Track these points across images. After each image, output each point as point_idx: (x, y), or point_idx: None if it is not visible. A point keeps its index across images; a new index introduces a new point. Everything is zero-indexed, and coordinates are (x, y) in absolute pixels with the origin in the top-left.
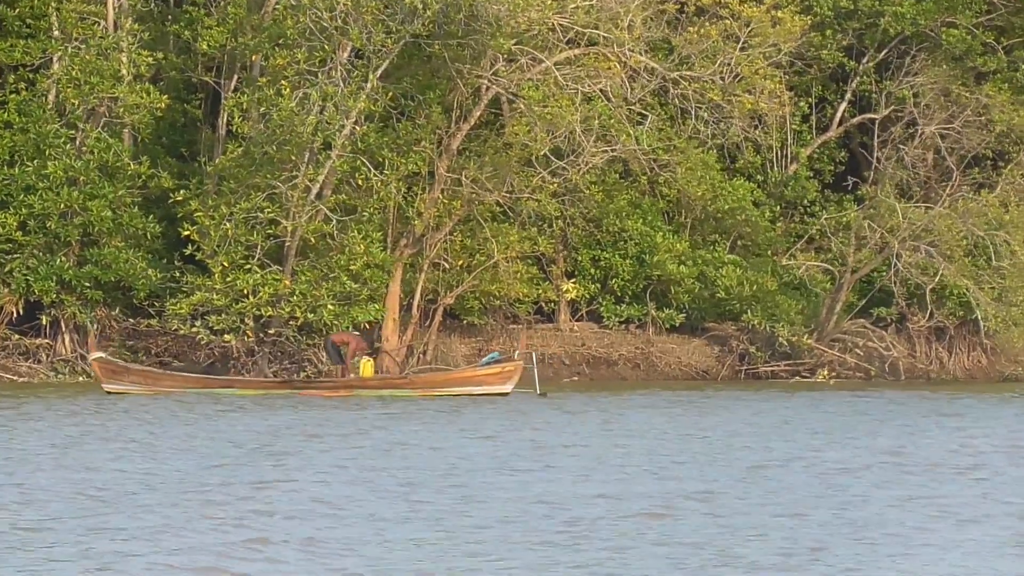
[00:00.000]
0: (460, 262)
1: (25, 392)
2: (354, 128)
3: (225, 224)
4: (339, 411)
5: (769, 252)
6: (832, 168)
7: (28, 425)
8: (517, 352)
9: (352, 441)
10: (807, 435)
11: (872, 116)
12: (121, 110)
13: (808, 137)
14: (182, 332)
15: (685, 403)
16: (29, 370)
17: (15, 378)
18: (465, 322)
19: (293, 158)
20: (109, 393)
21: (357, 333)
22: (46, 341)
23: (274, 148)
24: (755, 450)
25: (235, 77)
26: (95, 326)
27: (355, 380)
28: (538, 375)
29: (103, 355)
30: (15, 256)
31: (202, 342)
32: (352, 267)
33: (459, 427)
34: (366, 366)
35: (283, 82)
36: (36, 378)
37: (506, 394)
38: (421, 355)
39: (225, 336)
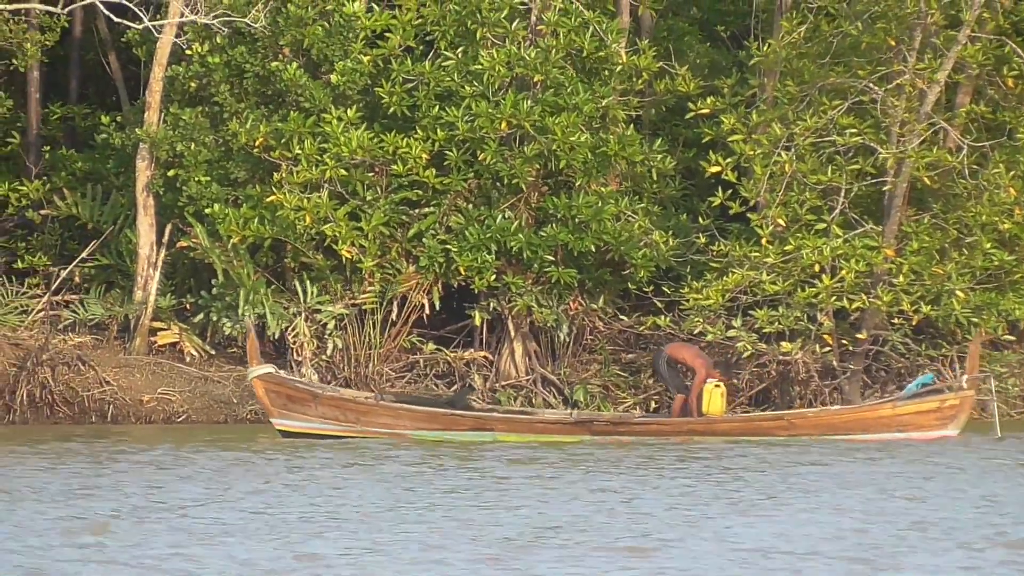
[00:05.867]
0: None
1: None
2: None
3: (780, 154)
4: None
5: None
6: None
7: None
8: (965, 376)
9: None
10: None
11: None
12: None
13: None
14: (710, 337)
15: None
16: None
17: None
18: None
19: (893, 43)
20: (283, 434)
21: (702, 352)
22: (482, 353)
23: (859, 26)
24: None
25: None
26: (565, 327)
27: (698, 421)
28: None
29: (271, 368)
30: (427, 210)
31: (744, 354)
32: (1002, 226)
33: None
34: (714, 396)
35: None
36: None
37: (949, 439)
38: None
39: (783, 345)
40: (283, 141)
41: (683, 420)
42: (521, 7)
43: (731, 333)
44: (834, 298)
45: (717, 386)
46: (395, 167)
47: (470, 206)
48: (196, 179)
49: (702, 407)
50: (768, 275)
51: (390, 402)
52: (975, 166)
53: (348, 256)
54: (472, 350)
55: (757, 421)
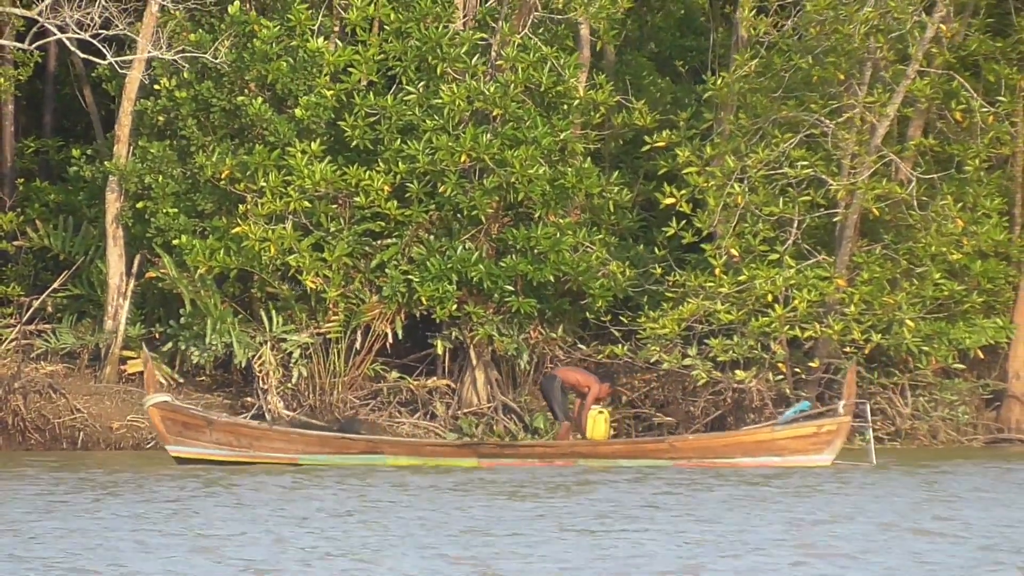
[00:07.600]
0: None
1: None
2: (940, 29)
3: (733, 186)
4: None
5: None
6: None
7: None
8: (842, 402)
9: None
10: None
11: None
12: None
13: None
14: (666, 366)
15: None
16: (415, 429)
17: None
18: None
19: (843, 77)
20: (179, 460)
21: (590, 372)
22: (444, 381)
23: (810, 61)
24: None
25: None
26: (525, 355)
27: (581, 444)
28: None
29: (168, 398)
30: (389, 241)
31: (699, 382)
32: (951, 257)
33: None
34: (598, 422)
35: None
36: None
37: (824, 467)
38: None
39: (737, 373)
40: (248, 174)
41: (568, 443)
42: (481, 43)
43: (687, 361)
44: (787, 327)
45: (601, 412)
46: (358, 199)
47: (431, 237)
48: (164, 211)
49: (586, 432)
50: (723, 305)
51: (283, 427)
52: (924, 198)
53: (313, 286)
54: (435, 378)
55: (640, 444)
